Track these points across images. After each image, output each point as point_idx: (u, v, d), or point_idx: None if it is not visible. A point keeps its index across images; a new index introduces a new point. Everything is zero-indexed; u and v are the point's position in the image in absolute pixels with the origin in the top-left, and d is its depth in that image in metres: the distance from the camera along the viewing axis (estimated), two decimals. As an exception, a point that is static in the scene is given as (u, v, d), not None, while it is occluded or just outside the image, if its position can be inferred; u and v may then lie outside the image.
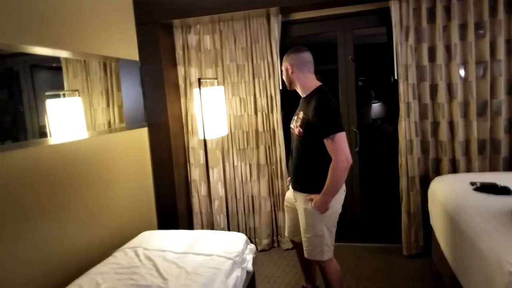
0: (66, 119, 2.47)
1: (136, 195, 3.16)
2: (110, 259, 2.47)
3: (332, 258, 2.30)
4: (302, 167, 2.24)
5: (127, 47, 3.13)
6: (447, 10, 2.91)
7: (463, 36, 2.92)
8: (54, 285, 2.25)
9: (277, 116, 3.34)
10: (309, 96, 2.19)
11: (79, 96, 2.61)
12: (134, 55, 3.20)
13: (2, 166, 1.99)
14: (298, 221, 2.33)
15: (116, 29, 2.98)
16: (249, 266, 2.50)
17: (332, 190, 2.11)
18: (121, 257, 2.47)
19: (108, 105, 2.90)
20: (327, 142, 2.06)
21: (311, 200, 2.17)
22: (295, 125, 2.22)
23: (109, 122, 2.89)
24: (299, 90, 2.26)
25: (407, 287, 2.78)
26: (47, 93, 2.37)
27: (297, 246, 2.56)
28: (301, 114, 2.20)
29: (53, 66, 2.46)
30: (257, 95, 3.36)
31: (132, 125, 3.13)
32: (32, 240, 2.15)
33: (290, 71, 2.22)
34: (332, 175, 2.07)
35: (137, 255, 2.48)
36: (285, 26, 3.35)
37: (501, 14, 2.80)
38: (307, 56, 2.22)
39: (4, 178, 2.00)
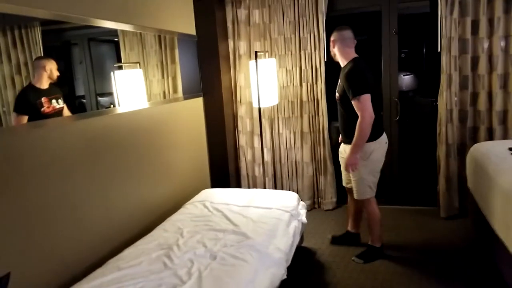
0: (130, 89, 2.66)
1: (194, 158, 3.48)
2: (182, 210, 2.81)
3: (373, 200, 2.78)
4: (345, 124, 2.73)
5: (185, 22, 3.37)
6: (493, -16, 3.02)
7: (507, 10, 3.04)
8: (137, 232, 2.60)
9: (321, 86, 3.56)
10: (345, 66, 2.64)
11: (140, 68, 2.81)
12: (191, 29, 3.44)
13: (85, 131, 2.23)
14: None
15: (175, 4, 3.20)
16: (303, 218, 2.81)
17: (360, 141, 2.56)
18: (192, 208, 2.81)
19: (163, 77, 3.13)
20: (354, 102, 2.52)
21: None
22: (337, 91, 2.71)
23: (164, 93, 3.12)
24: (340, 61, 2.71)
25: (444, 243, 3.03)
26: (114, 65, 2.55)
27: (350, 192, 2.95)
28: (339, 82, 2.66)
29: (112, 40, 2.61)
30: (303, 67, 3.58)
31: (189, 95, 3.41)
32: (116, 194, 2.45)
33: (332, 46, 2.72)
34: (358, 129, 2.52)
35: (205, 207, 2.81)
36: (331, 0, 3.51)
37: (546, -12, 2.91)
38: (347, 33, 2.66)
39: (85, 142, 2.22)
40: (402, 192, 3.79)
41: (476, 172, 2.85)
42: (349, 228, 3.12)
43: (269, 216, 2.59)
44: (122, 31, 2.62)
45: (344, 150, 2.81)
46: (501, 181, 2.35)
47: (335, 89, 2.76)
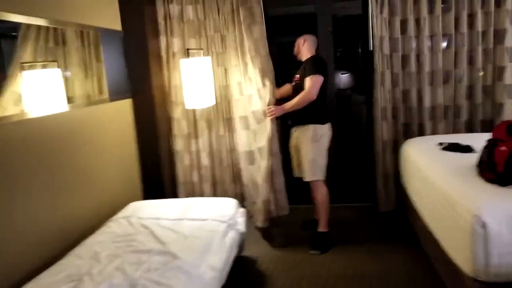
0: (44, 91, 2.30)
1: (122, 166, 3.18)
2: (104, 229, 2.47)
3: (324, 183, 3.06)
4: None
5: (110, 17, 3.09)
6: (418, -15, 3.14)
7: (431, 10, 3.17)
8: (49, 256, 2.23)
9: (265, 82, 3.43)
10: (308, 58, 3.04)
11: (58, 67, 2.46)
12: (117, 25, 3.18)
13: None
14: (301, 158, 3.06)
15: (98, -3, 2.94)
16: (242, 227, 2.67)
17: (295, 106, 2.95)
18: (114, 226, 2.49)
19: (91, 76, 2.86)
20: (307, 80, 2.87)
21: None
22: (296, 76, 3.07)
23: (88, 94, 2.83)
24: (303, 56, 3.08)
25: (383, 240, 3.08)
26: (23, 63, 2.17)
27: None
28: (300, 69, 3.04)
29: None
30: (241, 65, 3.43)
31: (116, 96, 3.13)
32: (22, 214, 2.10)
33: (301, 43, 3.08)
34: (299, 98, 2.91)
35: (131, 224, 2.50)
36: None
37: (465, -11, 3.08)
38: (315, 39, 3.15)
39: None
40: (342, 190, 3.82)
41: (407, 167, 2.93)
42: (314, 215, 3.28)
43: (204, 228, 2.39)
44: (38, 26, 2.32)
45: (297, 136, 3.11)
46: (430, 175, 2.42)
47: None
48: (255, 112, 3.32)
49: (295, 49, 3.14)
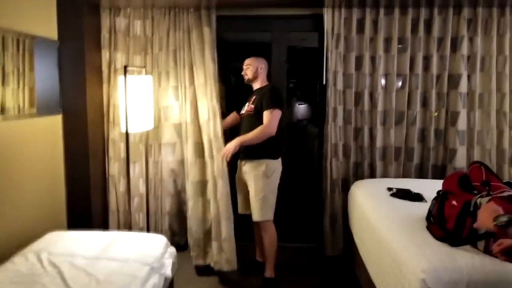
0: None
1: (45, 189, 2.83)
2: (7, 265, 2.12)
3: (272, 222, 2.85)
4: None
5: (44, 23, 2.79)
6: (375, 23, 3.08)
7: (387, 49, 3.11)
8: None
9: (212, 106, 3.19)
10: (263, 87, 2.86)
11: None
12: (52, 33, 2.87)
13: None
14: (248, 193, 2.84)
15: (33, 2, 2.64)
16: (168, 271, 2.33)
17: (252, 140, 2.70)
18: (20, 262, 2.14)
19: (18, 87, 2.54)
20: (265, 114, 2.68)
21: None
22: (248, 106, 2.84)
23: (19, 106, 2.53)
24: (257, 84, 2.89)
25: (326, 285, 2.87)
26: None
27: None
28: (254, 98, 2.82)
29: None
30: (187, 85, 3.19)
31: (45, 111, 2.79)
32: None
33: (259, 69, 2.88)
34: (258, 132, 2.68)
35: (40, 260, 2.16)
36: (221, 20, 3.23)
37: (421, 32, 3.04)
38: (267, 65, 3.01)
39: None
40: (287, 228, 3.58)
41: (355, 211, 2.76)
42: (257, 257, 3.11)
43: (122, 272, 2.05)
44: None
45: (246, 171, 2.85)
46: (376, 224, 2.24)
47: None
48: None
49: (251, 73, 2.87)
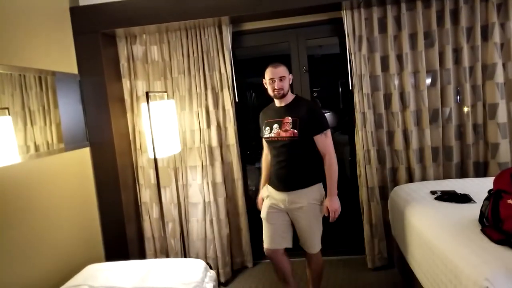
0: None
1: (79, 223, 2.83)
2: None
3: None
4: (299, 166, 2.40)
5: (64, 59, 2.82)
6: (397, 20, 2.95)
7: (413, 46, 2.96)
8: None
9: (233, 129, 3.17)
10: (294, 102, 2.45)
11: (9, 114, 2.28)
12: (73, 68, 2.90)
13: None
14: (284, 226, 2.50)
15: (51, 39, 2.67)
16: (212, 295, 2.29)
17: (336, 185, 2.37)
18: None
19: (45, 124, 2.59)
20: (320, 138, 2.35)
21: (327, 209, 2.37)
22: (285, 129, 2.39)
23: (48, 143, 2.57)
24: (286, 98, 2.44)
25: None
26: None
27: (278, 255, 2.54)
28: (289, 118, 2.38)
29: None
30: (210, 108, 3.17)
31: (72, 145, 2.81)
32: None
33: (288, 81, 2.44)
34: (332, 170, 2.36)
35: None
36: (237, 37, 3.22)
37: (448, 24, 2.88)
38: None
39: None
40: (328, 241, 3.44)
41: (398, 219, 2.60)
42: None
43: None
44: None
45: (291, 200, 2.41)
46: (424, 231, 2.09)
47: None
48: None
49: (287, 86, 2.40)
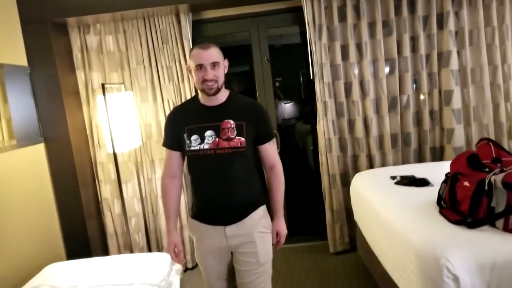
0: None
1: (37, 222, 2.70)
2: None
3: None
4: (245, 185, 1.76)
5: (12, 51, 2.66)
6: (357, 9, 2.97)
7: (372, 34, 3.01)
8: None
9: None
10: (232, 100, 1.78)
11: None
12: (22, 60, 2.73)
13: None
14: (231, 264, 1.83)
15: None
16: (177, 288, 2.27)
17: (281, 205, 1.87)
18: None
19: None
20: (268, 146, 1.81)
21: (277, 236, 1.84)
22: (226, 137, 1.70)
23: None
24: (220, 94, 1.74)
25: (337, 284, 2.78)
26: None
27: None
28: (230, 123, 1.71)
29: None
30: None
31: (25, 141, 2.67)
32: None
33: (225, 70, 1.75)
34: (282, 185, 1.85)
35: None
36: (197, 25, 3.14)
37: (405, 12, 2.94)
38: None
39: None
40: (291, 229, 3.49)
41: (360, 204, 2.66)
42: None
43: None
44: None
45: (234, 233, 1.75)
46: (385, 214, 2.15)
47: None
48: None
49: (222, 76, 1.71)
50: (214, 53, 1.67)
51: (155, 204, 3.22)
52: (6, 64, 2.54)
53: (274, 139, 1.87)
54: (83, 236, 3.01)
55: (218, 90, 1.70)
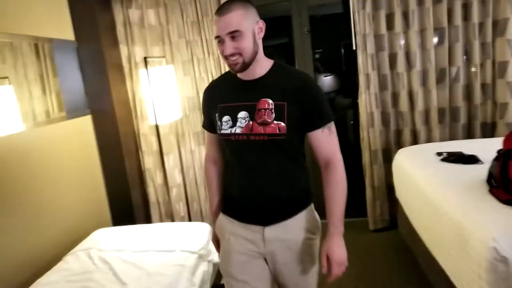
0: None
1: (85, 190, 2.86)
2: (60, 265, 2.21)
3: None
4: (285, 181, 1.42)
5: (60, 26, 2.75)
6: (403, -26, 2.80)
7: (420, 2, 2.83)
8: None
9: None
10: (275, 73, 1.40)
11: (9, 84, 2.25)
12: (69, 35, 2.83)
13: None
14: (266, 273, 1.48)
15: (46, 5, 2.59)
16: (216, 258, 2.33)
17: (343, 217, 1.40)
18: (72, 261, 2.22)
19: (44, 93, 2.55)
20: (322, 135, 1.37)
21: (326, 259, 1.37)
22: (262, 121, 1.35)
23: (48, 112, 2.55)
24: (256, 67, 1.37)
25: (376, 261, 2.75)
26: None
27: None
28: (268, 102, 1.35)
29: None
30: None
31: (74, 113, 2.79)
32: None
33: (262, 35, 1.37)
34: (340, 189, 1.39)
35: (90, 257, 2.23)
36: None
37: (457, -23, 2.74)
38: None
39: None
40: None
41: (403, 181, 2.59)
42: None
43: (170, 263, 2.08)
44: None
45: (274, 236, 1.43)
46: (430, 192, 2.08)
47: None
48: None
49: (234, 48, 1.30)
50: (233, 19, 1.28)
51: (196, 175, 3.30)
52: (55, 39, 2.64)
53: (332, 126, 1.39)
54: (127, 204, 3.15)
55: (246, 65, 1.33)
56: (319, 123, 1.37)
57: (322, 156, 1.41)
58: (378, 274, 2.59)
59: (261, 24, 1.36)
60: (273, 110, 1.35)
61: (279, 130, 1.35)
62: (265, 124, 1.35)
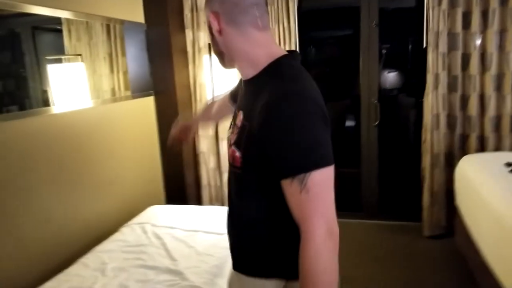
0: (69, 86, 2.28)
1: (143, 167, 3.00)
2: (117, 235, 2.35)
3: None
4: (245, 226, 1.11)
5: (131, 8, 2.87)
6: (487, -30, 2.61)
7: (503, 1, 2.63)
8: (58, 263, 2.12)
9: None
10: (259, 79, 1.01)
11: (82, 61, 2.41)
12: (139, 17, 2.94)
13: (3, 136, 1.85)
14: None
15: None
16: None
17: None
18: (128, 233, 2.36)
19: (112, 72, 2.70)
20: (289, 189, 0.90)
21: None
22: (228, 143, 1.07)
23: (113, 90, 2.69)
24: (238, 67, 1.07)
25: (428, 269, 2.65)
26: (48, 58, 2.16)
27: None
28: (240, 117, 1.03)
29: (55, 28, 2.22)
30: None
31: (138, 93, 2.93)
32: (33, 214, 2.00)
33: (216, 28, 1.02)
34: (310, 270, 0.87)
35: (144, 231, 2.36)
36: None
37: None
38: None
39: (4, 149, 1.85)
40: (383, 205, 3.38)
41: (465, 189, 2.45)
42: None
43: (219, 245, 2.14)
44: (66, 19, 2.25)
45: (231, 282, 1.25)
46: (495, 204, 1.95)
47: None
48: None
49: (212, 48, 1.11)
50: (206, 9, 1.04)
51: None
52: (126, 21, 2.76)
53: (311, 180, 0.87)
54: (181, 185, 3.27)
55: (224, 64, 1.09)
56: (283, 171, 0.90)
57: (294, 215, 0.92)
58: (427, 281, 2.50)
59: (212, 17, 1.01)
60: (237, 130, 1.02)
61: (233, 160, 1.01)
62: (229, 145, 1.04)
